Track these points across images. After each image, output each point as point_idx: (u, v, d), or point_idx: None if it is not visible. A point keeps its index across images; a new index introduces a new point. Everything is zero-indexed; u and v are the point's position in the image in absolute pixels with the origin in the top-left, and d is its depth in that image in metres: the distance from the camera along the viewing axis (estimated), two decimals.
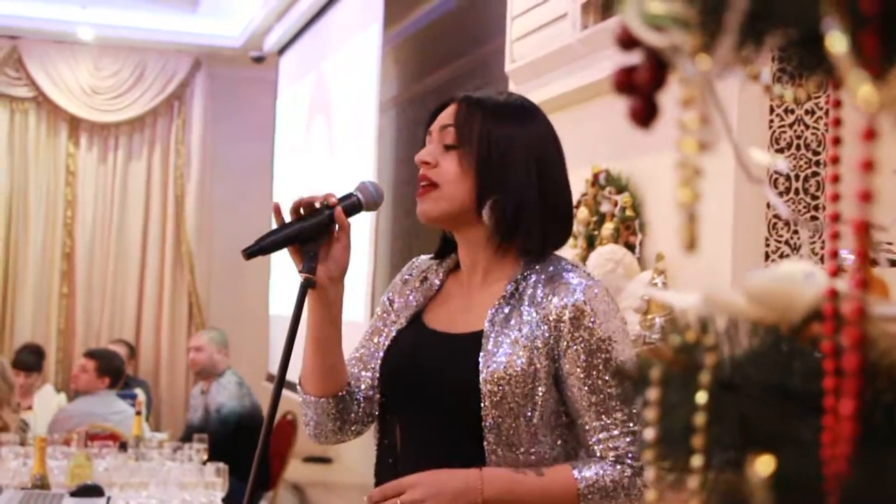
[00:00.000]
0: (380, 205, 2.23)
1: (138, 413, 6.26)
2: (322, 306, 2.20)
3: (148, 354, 10.26)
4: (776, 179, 3.46)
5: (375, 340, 2.31)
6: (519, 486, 2.06)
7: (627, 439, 2.06)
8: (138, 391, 7.76)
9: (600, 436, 2.08)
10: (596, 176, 4.21)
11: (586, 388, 2.08)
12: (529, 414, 2.08)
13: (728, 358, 0.68)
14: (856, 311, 0.56)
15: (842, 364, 0.58)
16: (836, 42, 0.46)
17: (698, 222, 0.55)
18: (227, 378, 7.13)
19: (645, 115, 0.60)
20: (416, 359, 2.22)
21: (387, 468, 2.20)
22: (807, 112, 3.50)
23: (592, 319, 2.08)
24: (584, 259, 4.09)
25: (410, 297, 2.32)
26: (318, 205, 2.16)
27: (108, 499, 4.30)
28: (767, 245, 3.53)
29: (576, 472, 2.06)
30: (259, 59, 10.24)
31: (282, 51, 10.10)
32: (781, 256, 3.52)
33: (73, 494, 4.31)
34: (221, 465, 5.01)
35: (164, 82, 10.40)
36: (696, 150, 0.52)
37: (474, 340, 2.13)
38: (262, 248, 2.14)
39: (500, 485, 2.06)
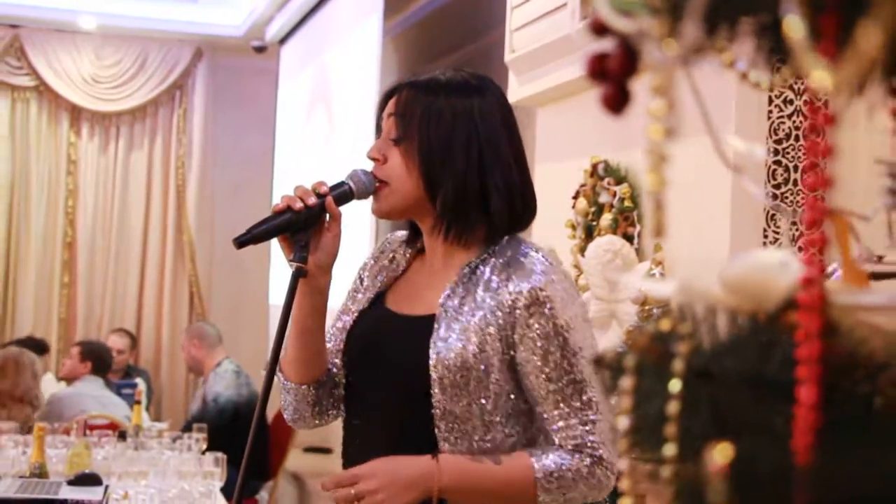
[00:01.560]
0: (371, 193, 2.21)
1: (138, 402, 6.29)
2: (309, 295, 2.18)
3: (149, 344, 10.27)
4: (774, 171, 3.45)
5: (344, 319, 2.31)
6: (475, 473, 2.04)
7: (587, 427, 2.03)
8: (139, 380, 7.79)
9: (559, 424, 2.04)
10: (595, 167, 4.20)
11: (543, 376, 2.04)
12: (483, 401, 2.05)
13: (704, 347, 0.68)
14: (816, 297, 0.55)
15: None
16: (793, 25, 0.45)
17: (665, 209, 0.54)
18: (224, 367, 7.14)
19: (617, 101, 0.59)
20: (372, 341, 2.22)
21: (355, 449, 2.21)
22: (806, 103, 3.49)
23: (549, 306, 2.04)
24: (582, 250, 4.08)
25: (377, 277, 2.31)
26: (312, 200, 2.15)
27: (107, 487, 4.30)
28: (766, 237, 3.52)
29: (534, 460, 2.03)
30: (260, 49, 10.23)
31: (283, 40, 10.09)
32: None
33: (71, 483, 4.31)
34: (220, 454, 5.02)
35: (166, 72, 10.39)
36: (662, 136, 0.52)
37: (426, 324, 2.11)
38: (252, 237, 2.13)
39: (457, 473, 2.04)
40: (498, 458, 2.06)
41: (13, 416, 5.69)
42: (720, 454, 0.53)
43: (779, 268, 0.67)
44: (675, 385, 0.64)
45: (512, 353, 2.06)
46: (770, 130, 3.49)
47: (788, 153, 3.47)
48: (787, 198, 3.40)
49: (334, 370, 2.28)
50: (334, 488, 2.07)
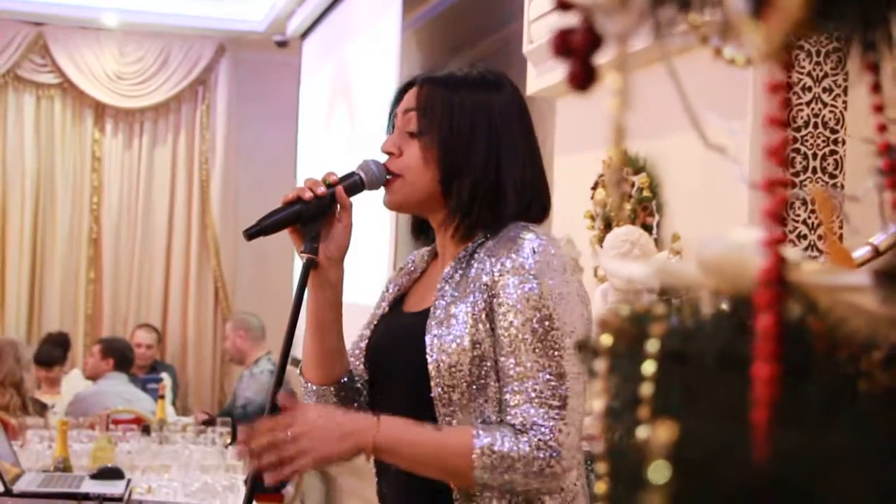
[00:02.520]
0: (383, 183, 2.20)
1: (162, 397, 6.32)
2: (321, 288, 2.16)
3: (174, 339, 10.30)
4: (793, 159, 3.42)
5: (372, 327, 2.30)
6: (413, 436, 1.97)
7: (541, 410, 1.91)
8: (164, 375, 7.82)
9: (511, 401, 1.95)
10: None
11: (507, 349, 1.96)
12: (483, 384, 2.00)
13: (679, 328, 0.67)
14: (771, 269, 0.54)
15: (769, 330, 0.56)
16: None
17: (623, 186, 0.53)
18: (261, 367, 7.16)
19: (582, 78, 0.58)
20: (384, 343, 2.20)
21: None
22: (824, 90, 3.46)
23: (521, 278, 1.97)
24: (602, 241, 4.06)
25: (398, 283, 2.30)
26: (321, 190, 2.14)
27: (129, 481, 4.32)
28: (784, 224, 3.49)
29: (474, 433, 1.93)
30: (282, 44, 10.23)
31: (305, 35, 10.09)
32: (799, 236, 3.48)
33: (94, 477, 4.33)
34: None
35: (189, 68, 10.41)
36: (621, 111, 0.51)
37: (426, 318, 2.07)
38: (262, 228, 2.12)
39: (394, 432, 1.98)
40: (440, 426, 2.00)
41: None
42: (662, 433, 0.52)
43: (755, 247, 0.66)
44: (648, 367, 0.64)
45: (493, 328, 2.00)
46: (788, 118, 3.46)
47: (807, 140, 3.44)
48: (805, 186, 3.37)
49: (357, 375, 2.26)
50: (271, 428, 1.98)
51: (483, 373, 2.00)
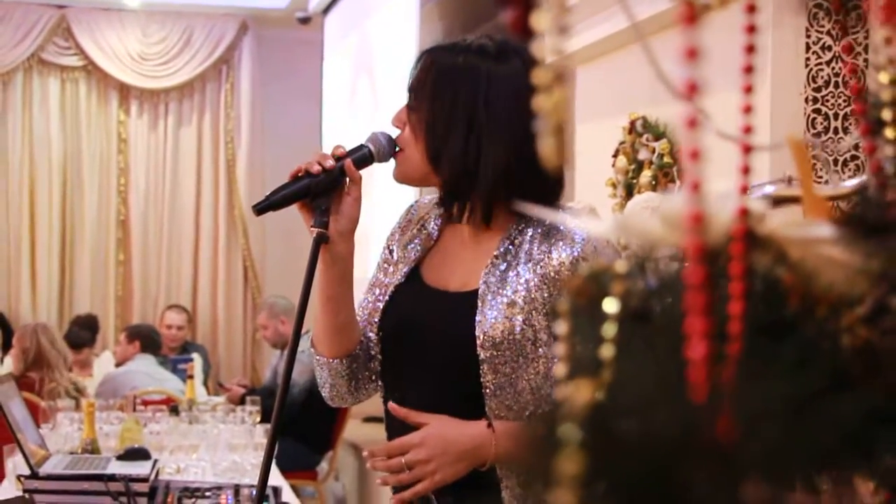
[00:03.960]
0: (391, 156, 2.16)
1: (191, 377, 6.33)
2: (332, 263, 2.13)
3: (205, 319, 10.32)
4: (813, 119, 3.37)
5: (376, 292, 2.26)
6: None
7: None
8: (195, 356, 7.84)
9: None
10: (633, 123, 4.14)
11: None
12: (532, 376, 2.00)
13: (641, 287, 0.64)
14: (695, 217, 0.51)
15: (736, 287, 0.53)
16: None
17: (562, 134, 0.50)
18: (301, 346, 7.15)
19: (524, 24, 0.55)
20: (414, 318, 2.15)
21: (397, 428, 2.12)
22: (845, 49, 3.40)
23: None
24: (623, 207, 4.03)
25: (409, 248, 2.24)
26: (329, 163, 2.12)
27: (155, 462, 4.31)
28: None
29: None
30: (305, 20, 10.19)
31: (326, 10, 10.04)
32: None
33: (120, 458, 4.32)
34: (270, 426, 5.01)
35: (212, 47, 10.40)
36: (552, 55, 0.48)
37: (469, 301, 2.04)
38: (271, 203, 2.11)
39: (511, 443, 1.96)
40: None
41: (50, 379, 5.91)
42: (582, 391, 0.49)
43: (720, 201, 0.63)
44: (608, 328, 0.61)
45: None
46: (808, 78, 3.41)
47: (828, 101, 3.39)
48: (827, 147, 3.32)
49: (369, 344, 2.23)
50: (385, 457, 2.01)
51: (535, 361, 2.01)
